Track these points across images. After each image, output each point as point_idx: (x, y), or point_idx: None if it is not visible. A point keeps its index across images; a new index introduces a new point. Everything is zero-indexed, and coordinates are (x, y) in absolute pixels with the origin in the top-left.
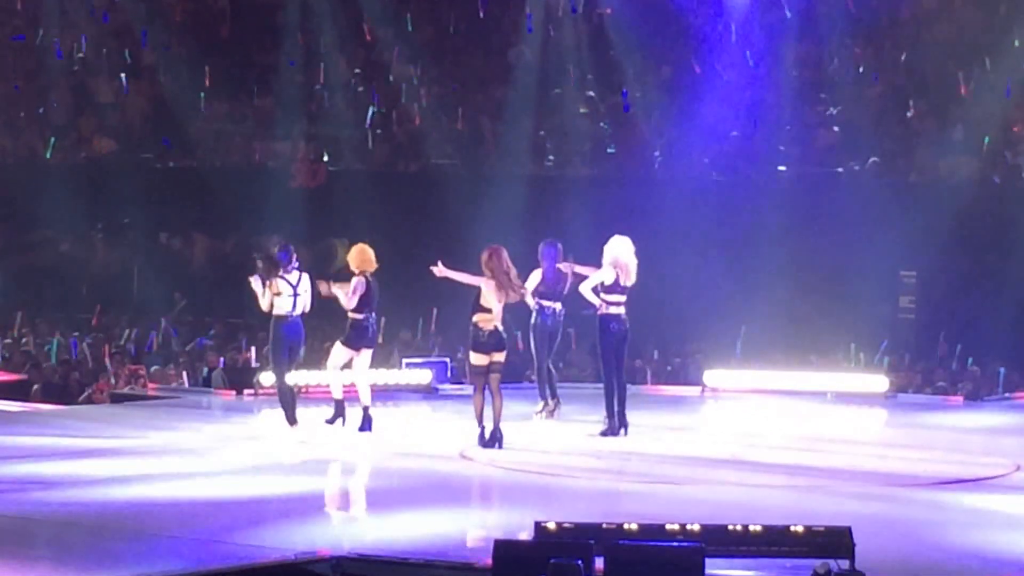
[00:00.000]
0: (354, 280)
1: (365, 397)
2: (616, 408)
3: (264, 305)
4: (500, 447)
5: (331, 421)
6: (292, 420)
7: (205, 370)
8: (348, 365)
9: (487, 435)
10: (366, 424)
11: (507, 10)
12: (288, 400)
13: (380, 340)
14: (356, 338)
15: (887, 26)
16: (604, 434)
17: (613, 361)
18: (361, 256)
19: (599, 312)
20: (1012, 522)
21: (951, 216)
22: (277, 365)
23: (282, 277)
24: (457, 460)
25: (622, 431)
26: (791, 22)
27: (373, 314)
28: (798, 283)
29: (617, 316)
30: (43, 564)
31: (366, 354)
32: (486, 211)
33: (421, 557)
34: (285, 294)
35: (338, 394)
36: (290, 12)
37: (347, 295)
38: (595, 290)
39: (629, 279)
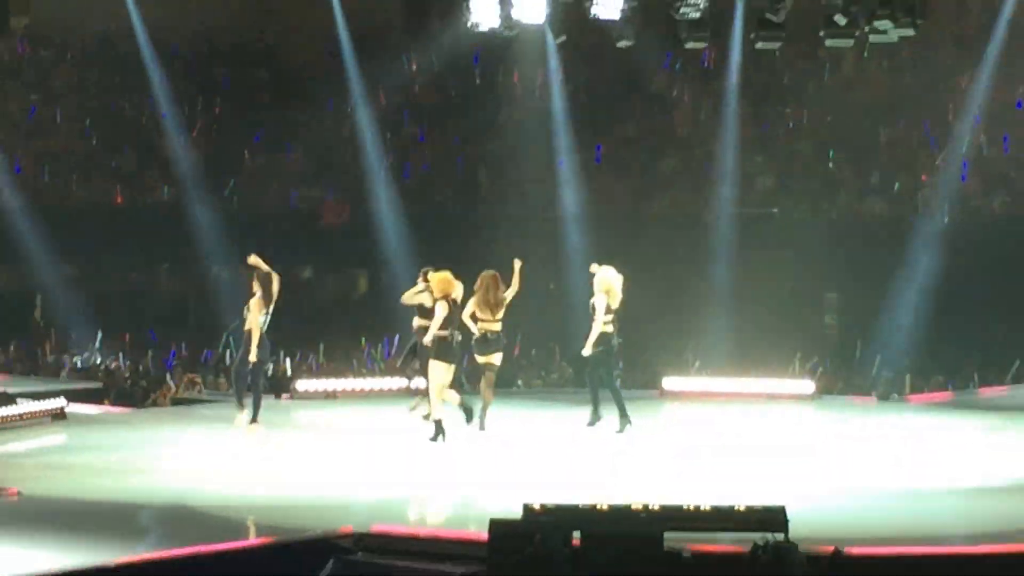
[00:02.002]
0: (439, 304)
1: (442, 407)
2: (593, 403)
3: None
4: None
5: (433, 439)
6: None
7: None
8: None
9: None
10: (469, 417)
11: (497, 78)
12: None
13: None
14: (446, 354)
15: (814, 91)
16: (591, 424)
17: (606, 369)
18: (445, 283)
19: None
20: (920, 495)
21: (866, 247)
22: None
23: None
24: (457, 452)
25: (628, 427)
26: (733, 88)
27: (456, 333)
28: (742, 304)
29: (612, 334)
30: (115, 541)
31: (451, 369)
32: (482, 245)
33: (428, 532)
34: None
35: (441, 413)
36: (319, 83)
37: (437, 318)
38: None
39: (616, 302)
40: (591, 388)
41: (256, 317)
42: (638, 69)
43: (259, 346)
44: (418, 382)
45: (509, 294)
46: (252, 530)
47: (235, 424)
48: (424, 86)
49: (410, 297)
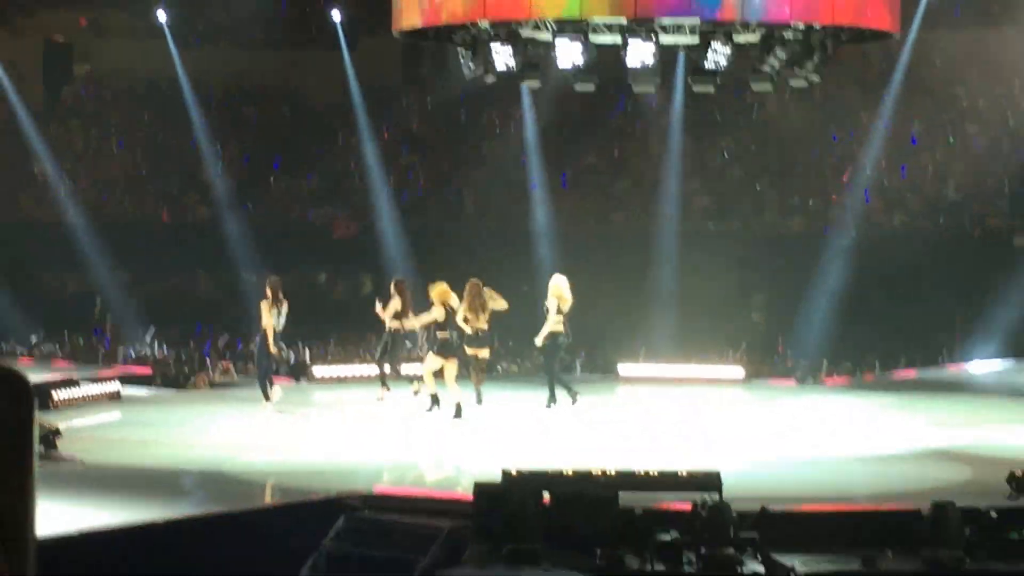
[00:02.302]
0: (436, 309)
1: (455, 394)
2: (567, 388)
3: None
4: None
5: (429, 409)
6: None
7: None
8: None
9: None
10: (458, 412)
11: (479, 117)
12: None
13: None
14: (445, 350)
15: (743, 126)
16: (548, 406)
17: (551, 358)
18: (443, 293)
19: (551, 329)
20: (831, 462)
21: (787, 256)
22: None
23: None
24: (447, 426)
25: (550, 403)
26: (676, 124)
27: (455, 332)
28: (684, 303)
29: (561, 332)
30: (162, 501)
31: (453, 362)
32: (467, 255)
33: (423, 493)
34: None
35: (433, 389)
36: (332, 120)
37: (432, 319)
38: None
39: (566, 306)
40: (548, 376)
41: (267, 319)
42: (597, 108)
43: (274, 341)
44: (405, 368)
45: (499, 306)
46: (277, 492)
47: (270, 403)
48: (419, 123)
49: (418, 320)
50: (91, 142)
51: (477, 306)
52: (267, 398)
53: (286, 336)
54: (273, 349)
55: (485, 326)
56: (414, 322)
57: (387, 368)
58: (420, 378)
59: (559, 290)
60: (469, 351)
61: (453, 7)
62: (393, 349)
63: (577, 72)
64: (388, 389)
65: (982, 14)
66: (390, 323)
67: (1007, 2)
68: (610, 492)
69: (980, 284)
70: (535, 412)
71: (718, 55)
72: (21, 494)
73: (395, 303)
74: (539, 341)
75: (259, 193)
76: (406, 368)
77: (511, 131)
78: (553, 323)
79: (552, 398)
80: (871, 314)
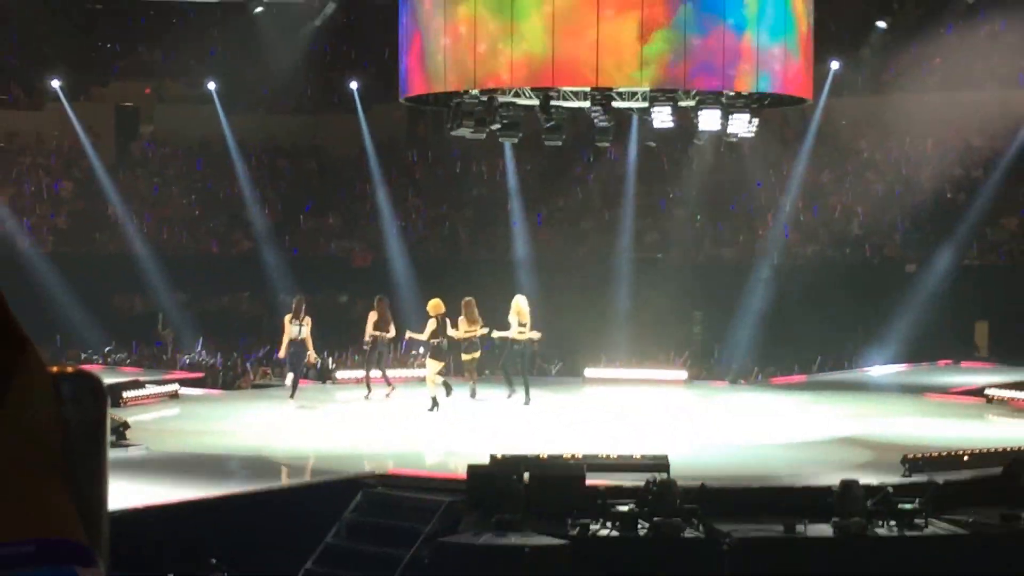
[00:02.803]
0: (431, 321)
1: (433, 389)
2: (525, 388)
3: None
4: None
5: (431, 409)
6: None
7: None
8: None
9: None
10: (433, 406)
11: (471, 166)
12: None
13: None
14: (439, 355)
15: (686, 174)
16: (509, 397)
17: (520, 365)
18: (437, 306)
19: (512, 337)
20: (758, 447)
21: (721, 279)
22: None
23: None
24: (446, 419)
25: (527, 401)
26: (630, 173)
27: (445, 340)
28: (637, 318)
29: (524, 341)
30: (212, 480)
31: (440, 363)
32: (462, 280)
33: (426, 473)
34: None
35: (435, 391)
36: (351, 170)
37: (427, 331)
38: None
39: (526, 319)
40: (505, 374)
41: (287, 328)
42: (567, 160)
43: (286, 347)
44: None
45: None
46: (306, 473)
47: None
48: (421, 173)
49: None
50: (154, 189)
51: (472, 318)
52: (292, 396)
53: (313, 346)
54: (313, 358)
55: (477, 335)
56: (392, 332)
57: (375, 372)
58: (390, 382)
59: (517, 307)
60: (464, 356)
61: (450, 78)
62: (373, 354)
63: (546, 131)
64: (371, 390)
65: (879, 83)
66: (370, 333)
67: (899, 73)
68: (578, 472)
69: (878, 302)
70: (516, 406)
71: (663, 116)
72: (98, 478)
73: (372, 316)
74: (499, 340)
75: (292, 230)
76: (390, 372)
77: (496, 179)
78: (514, 332)
79: (527, 396)
80: (790, 327)
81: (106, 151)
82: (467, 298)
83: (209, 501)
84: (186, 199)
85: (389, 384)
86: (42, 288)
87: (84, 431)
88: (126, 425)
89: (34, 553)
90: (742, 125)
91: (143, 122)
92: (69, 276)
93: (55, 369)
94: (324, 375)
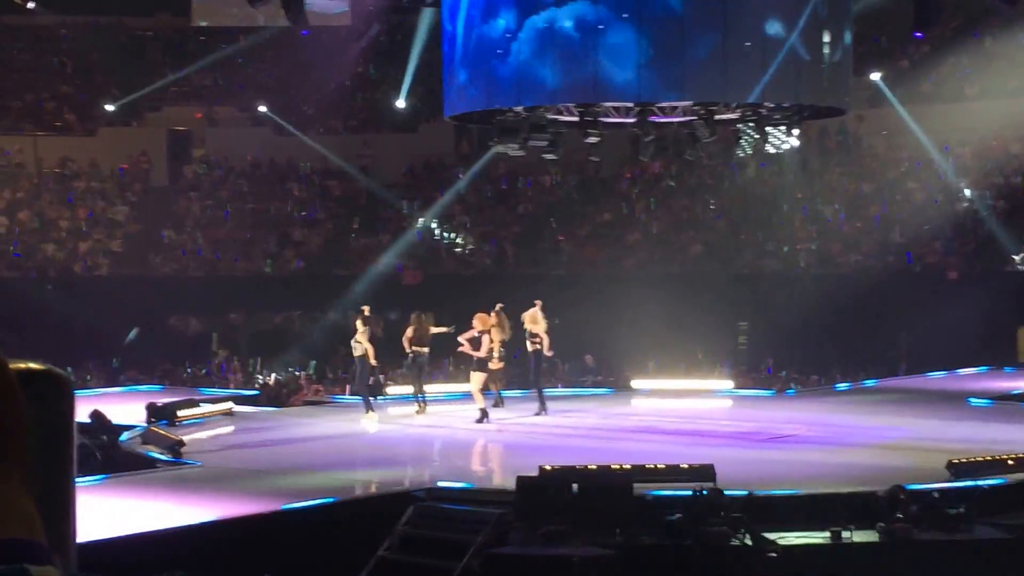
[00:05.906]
0: (484, 337)
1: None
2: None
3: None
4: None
5: (479, 420)
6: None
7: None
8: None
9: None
10: (482, 418)
11: (516, 181)
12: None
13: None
14: (484, 367)
15: (728, 186)
16: (494, 404)
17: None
18: (484, 320)
19: (535, 346)
20: (805, 456)
21: (764, 291)
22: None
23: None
24: (493, 431)
25: (543, 412)
26: (672, 186)
27: (492, 353)
28: (684, 329)
29: (540, 350)
30: (267, 494)
31: (485, 376)
32: (507, 293)
33: (476, 485)
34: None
35: (481, 403)
36: (399, 192)
37: (484, 347)
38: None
39: (538, 328)
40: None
41: (365, 345)
42: (608, 176)
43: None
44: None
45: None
46: (360, 486)
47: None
48: (469, 193)
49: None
50: (206, 211)
51: (504, 330)
52: (369, 410)
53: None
54: (373, 362)
55: (503, 341)
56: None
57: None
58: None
59: (532, 317)
60: (493, 365)
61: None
62: (414, 368)
63: (592, 147)
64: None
65: (918, 94)
66: (410, 349)
67: (939, 83)
68: (626, 483)
69: (921, 310)
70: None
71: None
72: (64, 475)
73: (408, 332)
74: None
75: (341, 250)
76: (432, 387)
77: (540, 195)
78: (535, 343)
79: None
80: (835, 336)
81: (159, 175)
82: (499, 310)
83: (264, 516)
84: (238, 221)
85: (422, 403)
86: (98, 311)
87: (51, 429)
88: (181, 443)
89: None
90: (782, 137)
91: (195, 146)
92: (125, 298)
93: (22, 366)
94: (375, 390)
